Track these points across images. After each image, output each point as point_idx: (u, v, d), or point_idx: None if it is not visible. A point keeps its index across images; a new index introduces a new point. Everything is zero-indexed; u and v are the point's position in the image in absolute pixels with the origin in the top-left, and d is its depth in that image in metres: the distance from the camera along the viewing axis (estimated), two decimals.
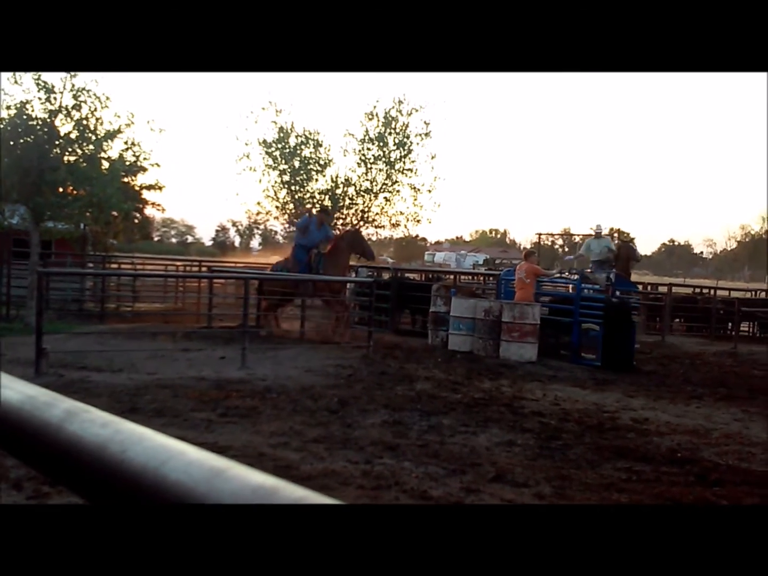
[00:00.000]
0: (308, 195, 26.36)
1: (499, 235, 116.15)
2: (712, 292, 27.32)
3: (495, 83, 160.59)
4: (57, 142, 16.29)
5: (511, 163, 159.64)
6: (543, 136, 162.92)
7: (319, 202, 25.79)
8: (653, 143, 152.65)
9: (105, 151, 17.14)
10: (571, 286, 15.54)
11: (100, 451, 1.13)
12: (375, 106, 25.68)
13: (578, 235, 58.99)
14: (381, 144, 25.53)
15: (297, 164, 25.81)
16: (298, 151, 25.84)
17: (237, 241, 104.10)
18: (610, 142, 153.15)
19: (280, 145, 25.78)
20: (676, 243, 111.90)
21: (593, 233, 18.67)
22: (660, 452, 7.67)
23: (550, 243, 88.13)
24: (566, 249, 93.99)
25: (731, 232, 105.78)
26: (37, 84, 15.93)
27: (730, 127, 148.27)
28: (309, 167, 25.95)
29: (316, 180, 26.27)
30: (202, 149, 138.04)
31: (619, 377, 12.41)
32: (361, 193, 26.03)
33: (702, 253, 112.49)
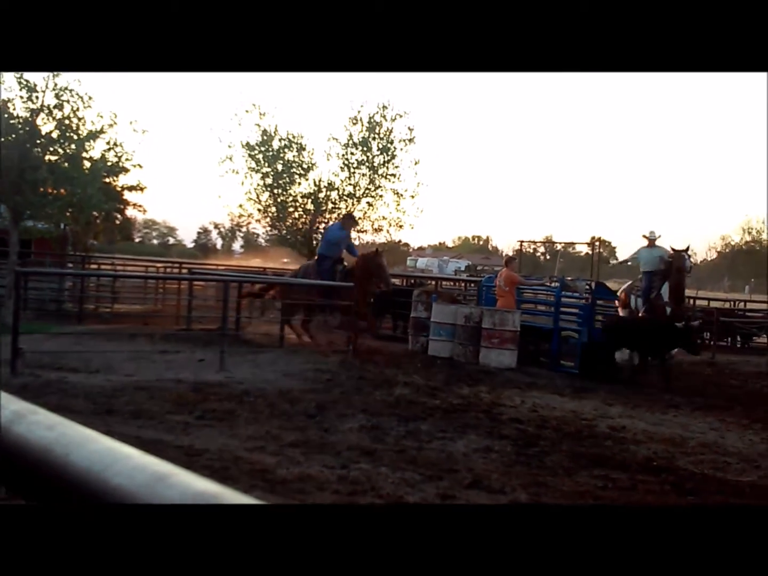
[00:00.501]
0: (291, 198, 26.30)
1: (481, 242, 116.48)
2: (691, 302, 27.48)
3: (478, 88, 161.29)
4: (38, 141, 16.17)
5: (494, 170, 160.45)
6: (527, 143, 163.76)
7: (302, 206, 25.77)
8: (636, 152, 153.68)
9: (87, 151, 17.03)
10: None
11: (45, 454, 1.10)
12: (359, 111, 25.64)
13: (560, 243, 59.24)
14: (365, 149, 25.50)
15: (280, 167, 25.74)
16: (281, 155, 25.76)
17: (219, 243, 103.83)
18: (593, 151, 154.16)
19: (263, 148, 25.71)
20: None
21: (646, 241, 16.04)
22: (636, 460, 7.69)
23: (532, 250, 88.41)
24: (548, 257, 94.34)
25: (711, 243, 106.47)
26: (19, 83, 15.81)
27: (712, 139, 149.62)
28: (292, 171, 25.87)
29: (299, 183, 26.20)
30: (185, 151, 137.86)
31: (598, 385, 12.44)
32: (344, 197, 25.97)
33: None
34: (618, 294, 16.42)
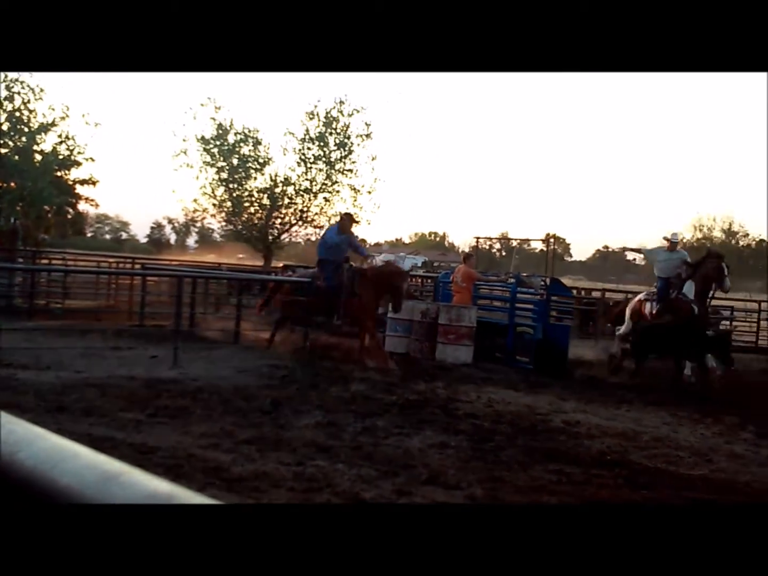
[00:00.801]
0: (246, 193, 26.15)
1: (438, 238, 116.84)
2: None
3: (435, 84, 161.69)
4: None
5: (450, 166, 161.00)
6: (482, 139, 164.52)
7: (258, 200, 25.61)
8: (589, 149, 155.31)
9: (38, 144, 16.75)
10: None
11: None
12: (316, 106, 25.63)
13: (515, 239, 59.75)
14: (321, 144, 25.48)
15: (235, 162, 25.60)
16: (237, 149, 25.63)
17: (173, 238, 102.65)
18: (547, 147, 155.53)
19: (218, 142, 25.54)
20: (610, 249, 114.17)
21: (666, 243, 14.72)
22: (590, 455, 7.76)
23: (488, 247, 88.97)
24: (503, 253, 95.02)
25: (663, 240, 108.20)
26: None
27: (663, 136, 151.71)
28: (248, 165, 25.75)
29: (255, 178, 26.10)
30: (139, 144, 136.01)
31: (552, 380, 12.55)
32: (301, 192, 25.93)
33: (635, 259, 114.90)
34: (633, 302, 15.36)
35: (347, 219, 14.53)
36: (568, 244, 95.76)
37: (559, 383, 12.40)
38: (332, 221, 26.27)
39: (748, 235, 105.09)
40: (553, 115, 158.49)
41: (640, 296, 15.43)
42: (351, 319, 13.66)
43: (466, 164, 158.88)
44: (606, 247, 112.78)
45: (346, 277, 13.35)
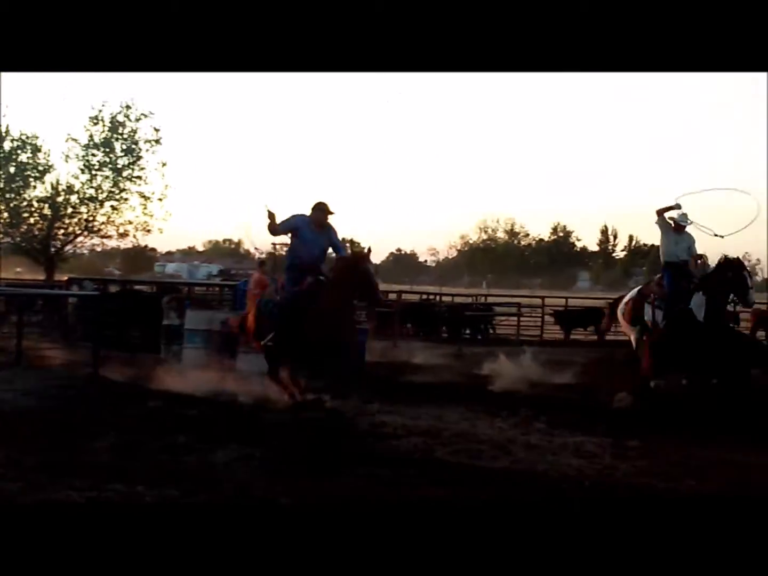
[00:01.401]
0: (25, 203, 24.59)
1: (233, 245, 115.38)
2: (438, 298, 29.03)
3: (217, 86, 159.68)
4: None
5: (242, 169, 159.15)
6: (270, 142, 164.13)
7: (38, 210, 24.13)
8: (373, 154, 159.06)
9: None
10: None
11: None
12: (100, 110, 24.52)
13: None
14: (107, 150, 24.38)
15: (12, 170, 23.98)
16: (14, 156, 24.02)
17: None
18: (336, 150, 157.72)
19: None
20: (402, 252, 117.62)
21: (671, 222, 12.07)
22: (398, 455, 7.80)
23: (284, 253, 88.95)
24: None
25: (452, 242, 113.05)
26: None
27: (448, 138, 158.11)
28: (26, 173, 24.21)
29: (34, 187, 24.59)
30: None
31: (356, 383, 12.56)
32: (85, 201, 24.67)
33: (426, 261, 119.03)
34: (622, 304, 12.71)
35: (318, 210, 10.39)
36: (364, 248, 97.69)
37: (362, 386, 12.43)
38: (120, 231, 25.28)
39: (528, 235, 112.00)
40: (334, 116, 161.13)
41: (632, 294, 12.75)
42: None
43: (258, 167, 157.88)
44: (399, 249, 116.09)
45: (309, 291, 10.18)
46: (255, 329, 10.94)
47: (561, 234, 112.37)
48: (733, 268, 11.39)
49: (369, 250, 10.41)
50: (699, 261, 11.99)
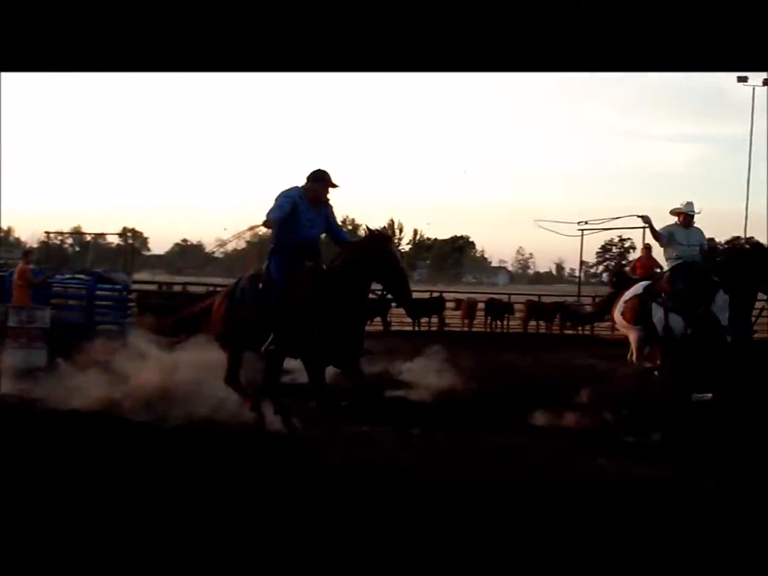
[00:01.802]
0: None
1: (2, 234, 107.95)
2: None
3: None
4: None
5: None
6: (99, 132, 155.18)
7: None
8: (173, 143, 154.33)
9: None
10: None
11: None
12: None
13: (89, 233, 57.50)
14: None
15: None
16: None
17: None
18: (121, 137, 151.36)
19: None
20: (189, 242, 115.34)
21: (676, 218, 10.43)
22: None
23: (59, 242, 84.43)
24: (77, 248, 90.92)
25: (241, 234, 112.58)
26: None
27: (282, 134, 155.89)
28: None
29: None
30: None
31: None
32: None
33: (214, 252, 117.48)
34: (621, 303, 10.69)
35: (322, 180, 8.16)
36: (146, 238, 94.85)
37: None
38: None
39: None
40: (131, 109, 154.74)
41: (633, 291, 10.64)
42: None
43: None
44: (185, 240, 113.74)
45: (312, 285, 8.02)
46: (223, 323, 8.70)
47: (350, 227, 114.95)
48: (754, 254, 9.88)
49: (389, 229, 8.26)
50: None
